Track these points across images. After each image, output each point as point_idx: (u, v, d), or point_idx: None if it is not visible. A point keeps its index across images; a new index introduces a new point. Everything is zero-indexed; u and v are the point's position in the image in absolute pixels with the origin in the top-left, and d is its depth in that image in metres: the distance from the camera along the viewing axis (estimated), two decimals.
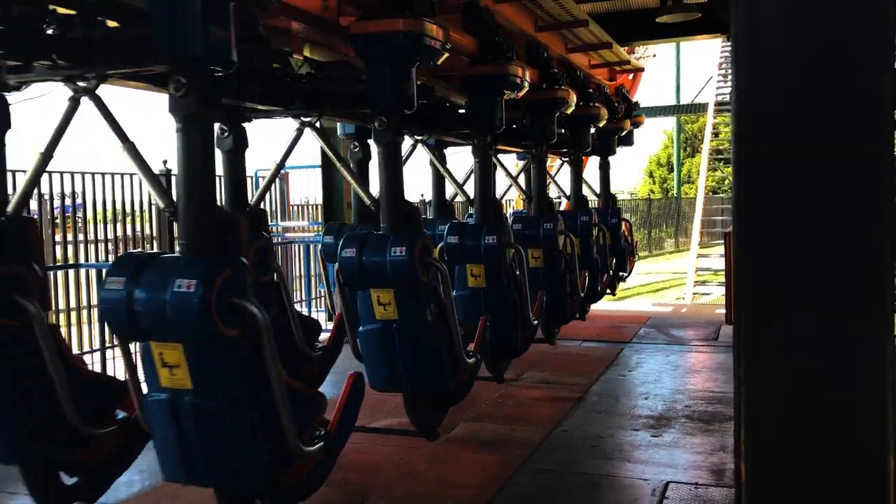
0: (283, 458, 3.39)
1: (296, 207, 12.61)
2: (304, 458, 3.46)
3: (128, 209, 9.75)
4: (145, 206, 10.08)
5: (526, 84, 5.74)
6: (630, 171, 45.05)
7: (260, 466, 3.36)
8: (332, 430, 3.65)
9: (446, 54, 4.71)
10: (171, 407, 3.30)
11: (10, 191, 3.89)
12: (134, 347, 3.54)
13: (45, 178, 8.50)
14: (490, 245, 5.32)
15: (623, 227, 10.36)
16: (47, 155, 3.89)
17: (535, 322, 5.86)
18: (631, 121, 10.60)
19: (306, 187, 12.55)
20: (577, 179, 9.16)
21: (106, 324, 3.89)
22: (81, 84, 3.74)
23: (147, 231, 10.21)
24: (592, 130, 9.14)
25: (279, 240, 11.75)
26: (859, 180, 1.55)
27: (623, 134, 10.51)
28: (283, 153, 5.49)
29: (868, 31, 1.54)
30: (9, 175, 3.90)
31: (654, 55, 23.25)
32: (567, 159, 9.76)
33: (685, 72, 40.48)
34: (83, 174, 8.98)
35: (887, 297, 1.56)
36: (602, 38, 8.70)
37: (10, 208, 3.77)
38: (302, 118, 5.26)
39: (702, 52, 48.86)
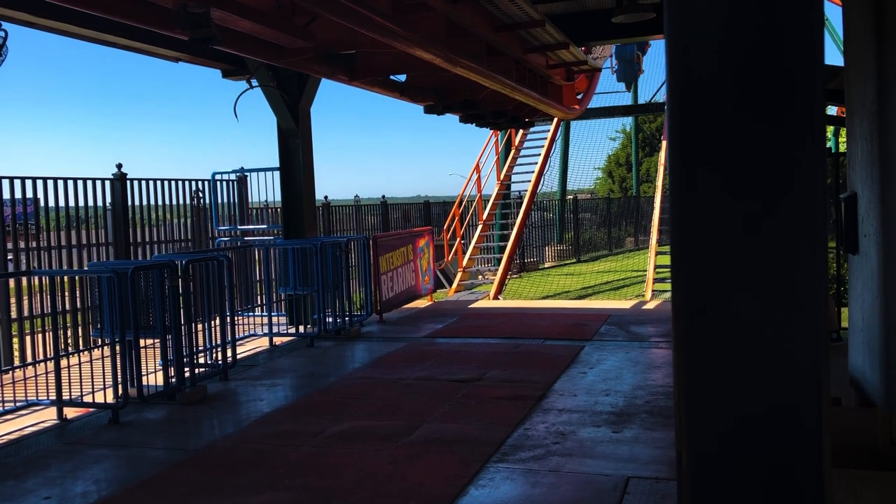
0: None
1: (254, 210, 12.48)
2: None
3: (81, 215, 9.56)
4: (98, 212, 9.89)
5: None
6: (590, 171, 45.44)
7: None
8: None
9: None
10: None
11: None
12: None
13: None
14: None
15: None
16: None
17: None
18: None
19: (264, 190, 12.42)
20: None
21: None
22: None
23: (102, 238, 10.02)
24: None
25: (238, 244, 11.60)
26: (795, 159, 1.56)
27: None
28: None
29: (797, 12, 1.55)
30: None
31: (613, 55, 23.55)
32: None
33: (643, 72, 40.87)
34: (34, 179, 8.77)
35: (822, 278, 1.57)
36: (558, 39, 8.77)
37: None
38: None
39: (658, 52, 49.33)
